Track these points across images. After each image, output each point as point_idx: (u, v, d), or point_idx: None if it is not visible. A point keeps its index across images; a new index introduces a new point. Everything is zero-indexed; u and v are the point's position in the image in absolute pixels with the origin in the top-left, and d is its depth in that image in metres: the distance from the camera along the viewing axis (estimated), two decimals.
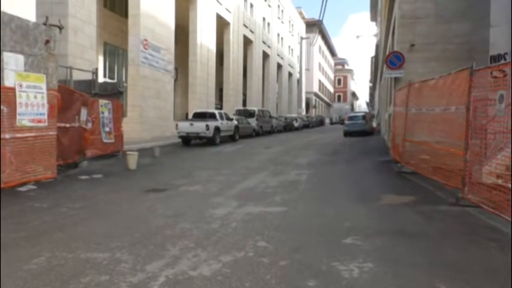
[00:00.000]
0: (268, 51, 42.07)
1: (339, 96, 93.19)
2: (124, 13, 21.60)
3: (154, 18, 20.25)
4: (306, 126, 40.23)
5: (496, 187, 5.00)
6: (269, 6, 42.35)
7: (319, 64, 70.04)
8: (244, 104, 35.19)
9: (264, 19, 40.70)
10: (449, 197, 6.33)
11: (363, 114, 28.82)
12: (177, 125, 17.95)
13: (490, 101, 5.29)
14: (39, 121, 7.59)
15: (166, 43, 21.69)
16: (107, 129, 12.02)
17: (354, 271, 3.47)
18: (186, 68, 26.16)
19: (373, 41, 47.28)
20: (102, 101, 11.80)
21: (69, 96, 9.44)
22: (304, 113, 51.55)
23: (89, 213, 5.70)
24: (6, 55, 6.96)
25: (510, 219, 4.46)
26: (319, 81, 70.64)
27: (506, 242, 4.24)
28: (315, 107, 66.98)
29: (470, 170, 5.70)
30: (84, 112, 10.41)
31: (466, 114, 5.76)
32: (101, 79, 19.52)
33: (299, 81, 51.32)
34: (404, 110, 9.32)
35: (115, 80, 21.53)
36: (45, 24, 8.04)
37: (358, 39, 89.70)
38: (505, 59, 7.21)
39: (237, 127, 20.73)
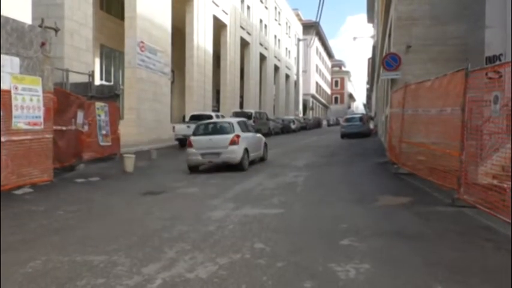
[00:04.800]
0: (265, 53, 42.09)
1: (336, 98, 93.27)
2: (120, 15, 21.53)
3: (150, 20, 20.22)
4: (303, 128, 40.22)
5: (491, 187, 5.02)
6: (266, 8, 42.41)
7: (317, 66, 70.13)
8: (242, 106, 35.16)
9: (261, 21, 40.74)
10: (446, 198, 6.35)
11: (360, 116, 28.81)
12: (174, 127, 17.92)
13: (485, 102, 5.31)
14: (35, 124, 7.56)
15: (163, 45, 21.66)
16: (104, 132, 11.99)
17: (350, 272, 3.47)
18: (183, 70, 26.11)
19: (370, 43, 47.37)
20: (98, 104, 11.78)
21: (65, 99, 9.43)
22: (301, 115, 51.57)
23: (85, 216, 5.69)
24: (2, 57, 6.94)
25: (508, 219, 4.47)
26: (316, 83, 70.71)
27: (502, 242, 4.25)
28: (312, 108, 67.02)
29: (466, 170, 5.71)
30: (80, 115, 10.39)
31: (462, 116, 5.78)
32: (97, 82, 19.44)
33: (296, 83, 51.36)
34: (401, 111, 9.34)
35: (111, 83, 21.43)
36: (40, 26, 8.02)
37: (355, 41, 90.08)
38: (500, 60, 7.24)
39: None
